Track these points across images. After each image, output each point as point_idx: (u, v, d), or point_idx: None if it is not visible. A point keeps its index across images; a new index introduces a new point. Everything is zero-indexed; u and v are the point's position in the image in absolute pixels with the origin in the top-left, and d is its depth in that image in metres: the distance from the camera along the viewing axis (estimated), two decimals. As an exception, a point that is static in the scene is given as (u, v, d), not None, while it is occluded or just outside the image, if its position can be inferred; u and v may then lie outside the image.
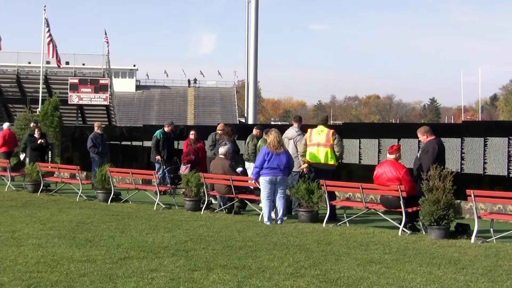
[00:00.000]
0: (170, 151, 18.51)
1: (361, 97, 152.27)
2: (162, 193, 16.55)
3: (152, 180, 16.26)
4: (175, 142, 19.47)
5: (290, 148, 13.59)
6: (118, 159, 21.25)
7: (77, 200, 16.52)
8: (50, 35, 35.79)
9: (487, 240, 10.47)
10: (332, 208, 12.85)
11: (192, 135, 17.47)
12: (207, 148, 17.44)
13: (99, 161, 18.82)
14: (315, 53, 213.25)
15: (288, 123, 30.89)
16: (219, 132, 16.59)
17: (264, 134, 14.98)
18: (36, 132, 20.76)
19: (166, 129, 18.60)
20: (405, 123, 70.08)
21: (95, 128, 19.61)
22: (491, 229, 10.80)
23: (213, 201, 15.22)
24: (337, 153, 13.29)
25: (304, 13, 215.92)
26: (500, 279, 7.65)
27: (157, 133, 18.55)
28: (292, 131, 14.08)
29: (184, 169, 16.58)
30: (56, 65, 38.80)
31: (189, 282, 7.29)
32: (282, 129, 14.48)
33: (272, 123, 76.00)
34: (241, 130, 17.59)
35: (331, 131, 13.42)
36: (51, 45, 35.91)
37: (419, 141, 13.85)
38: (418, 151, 12.66)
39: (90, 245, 9.65)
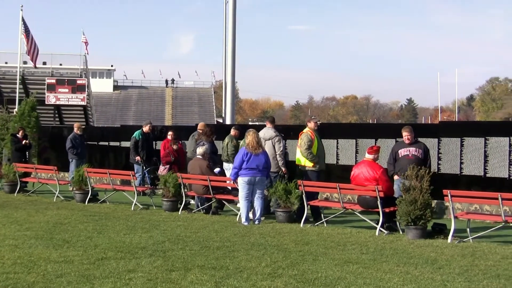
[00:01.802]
0: (149, 152, 18.45)
1: (338, 97, 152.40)
2: (141, 193, 16.54)
3: (130, 180, 16.20)
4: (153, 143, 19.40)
5: (268, 149, 13.58)
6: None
7: (54, 200, 16.41)
8: (28, 34, 35.45)
9: (464, 240, 10.57)
10: (315, 209, 12.89)
11: (170, 135, 17.44)
12: (188, 149, 17.36)
13: (78, 162, 18.76)
14: (293, 54, 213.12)
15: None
16: (199, 131, 16.53)
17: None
18: (19, 133, 20.80)
19: (145, 129, 18.54)
20: (383, 124, 70.52)
21: (75, 129, 19.60)
22: (468, 229, 10.91)
23: (191, 202, 15.20)
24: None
25: (283, 14, 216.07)
26: (477, 279, 7.71)
27: (136, 134, 18.47)
28: (270, 132, 14.03)
29: (162, 170, 16.56)
30: (33, 65, 38.42)
31: (166, 283, 7.27)
32: (260, 129, 14.47)
33: (250, 123, 75.90)
34: (218, 131, 17.56)
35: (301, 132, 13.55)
36: (31, 45, 35.59)
37: (396, 141, 13.89)
38: (411, 150, 12.60)
39: (67, 246, 9.59)
